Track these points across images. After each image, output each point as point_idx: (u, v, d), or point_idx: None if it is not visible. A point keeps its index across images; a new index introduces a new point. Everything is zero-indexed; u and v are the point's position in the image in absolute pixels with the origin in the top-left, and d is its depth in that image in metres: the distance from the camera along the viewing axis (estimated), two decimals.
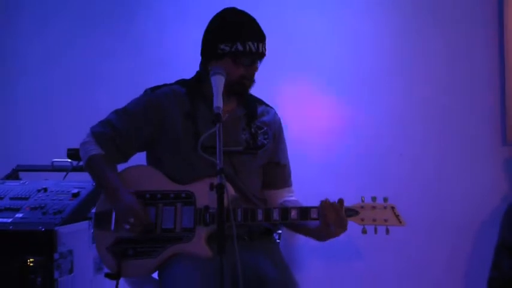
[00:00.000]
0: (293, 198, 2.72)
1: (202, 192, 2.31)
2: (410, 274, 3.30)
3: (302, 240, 3.32)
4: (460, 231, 3.29)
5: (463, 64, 3.33)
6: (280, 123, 2.74)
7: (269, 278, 2.52)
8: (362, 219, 2.45)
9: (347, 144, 3.36)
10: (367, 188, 3.25)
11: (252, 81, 2.54)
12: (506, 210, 2.80)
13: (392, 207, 2.46)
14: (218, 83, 2.34)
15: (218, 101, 2.24)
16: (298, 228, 2.61)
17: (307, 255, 3.35)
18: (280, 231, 3.06)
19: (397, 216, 2.46)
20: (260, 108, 2.69)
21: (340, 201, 2.41)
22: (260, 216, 2.46)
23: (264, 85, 2.69)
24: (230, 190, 2.41)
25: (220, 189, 2.05)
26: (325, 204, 2.39)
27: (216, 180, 2.07)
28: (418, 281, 3.30)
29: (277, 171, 2.71)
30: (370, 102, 3.38)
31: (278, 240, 3.01)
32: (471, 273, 3.17)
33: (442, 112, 3.34)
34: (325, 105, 3.38)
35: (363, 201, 2.47)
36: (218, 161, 2.09)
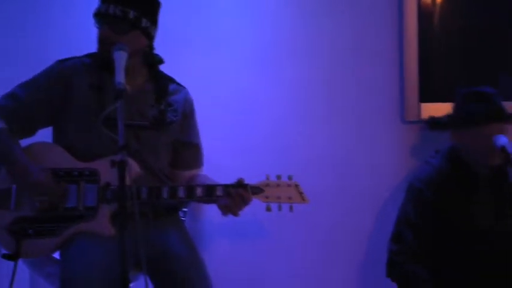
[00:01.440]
0: (203, 173, 2.73)
1: (106, 170, 2.26)
2: (315, 249, 3.36)
3: (208, 218, 3.32)
4: (362, 209, 3.36)
5: (364, 43, 3.37)
6: (191, 103, 2.72)
7: (174, 255, 2.52)
8: (267, 197, 2.48)
9: (253, 123, 3.36)
10: (272, 166, 3.29)
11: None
12: (408, 187, 2.89)
13: (296, 185, 2.50)
14: (120, 58, 2.29)
15: (120, 77, 2.19)
16: (204, 201, 2.62)
17: (213, 233, 3.35)
18: (186, 209, 3.04)
19: (300, 193, 2.50)
20: (171, 86, 2.67)
21: (240, 181, 2.44)
22: (165, 194, 2.45)
23: (167, 61, 2.67)
24: (134, 167, 2.40)
25: (121, 166, 2.02)
26: (232, 190, 2.42)
27: (117, 157, 2.04)
28: (323, 255, 3.36)
29: (188, 152, 2.70)
30: (274, 80, 3.38)
31: (183, 218, 3.00)
32: (373, 247, 3.24)
33: (344, 91, 3.37)
34: (230, 83, 3.37)
35: (268, 179, 2.49)
36: (120, 138, 2.05)
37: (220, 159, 3.18)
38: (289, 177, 2.49)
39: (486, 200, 2.76)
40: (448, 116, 2.80)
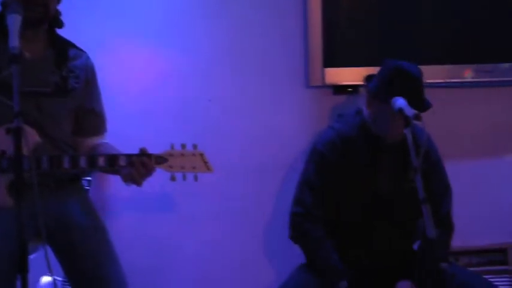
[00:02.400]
0: (106, 141, 2.67)
1: (2, 138, 2.18)
2: (222, 217, 3.37)
3: (113, 188, 3.27)
4: (267, 174, 3.38)
5: (268, 8, 3.36)
6: (93, 68, 2.65)
7: (75, 226, 2.49)
8: (171, 167, 2.46)
9: (157, 91, 3.32)
10: (177, 135, 3.27)
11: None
12: (311, 150, 2.92)
13: (201, 154, 2.48)
14: (14, 22, 2.19)
15: (14, 41, 2.09)
16: (107, 171, 2.58)
17: (120, 206, 3.31)
18: (89, 178, 2.99)
19: (205, 163, 2.49)
20: (72, 52, 2.59)
21: (143, 150, 2.41)
22: (67, 164, 2.39)
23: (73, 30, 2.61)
24: (32, 135, 2.32)
25: (16, 134, 1.95)
26: (135, 159, 2.39)
27: (13, 124, 1.96)
28: (231, 222, 3.38)
29: (90, 119, 2.64)
30: (177, 46, 3.34)
31: (87, 187, 2.95)
32: (278, 211, 3.27)
33: (248, 55, 3.36)
34: (135, 49, 3.30)
35: (172, 148, 2.47)
36: (15, 104, 1.97)
37: (125, 128, 3.13)
38: (194, 147, 2.48)
39: (387, 165, 2.82)
40: (374, 83, 2.79)
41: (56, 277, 2.82)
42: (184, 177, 2.47)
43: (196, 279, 3.39)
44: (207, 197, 3.25)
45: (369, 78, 2.82)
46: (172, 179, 2.46)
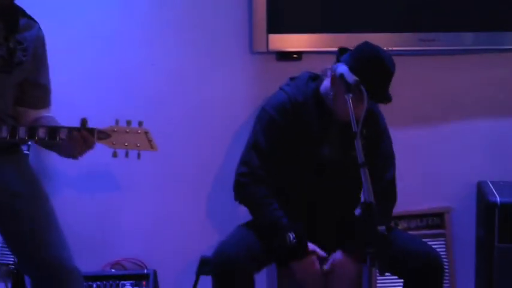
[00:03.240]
0: (49, 114, 2.60)
1: None
2: (169, 187, 3.40)
3: (58, 169, 3.27)
4: (214, 140, 3.38)
5: None
6: (43, 40, 2.54)
7: (15, 191, 2.45)
8: (113, 143, 2.41)
9: (99, 58, 3.27)
10: (119, 103, 3.23)
11: None
12: (259, 113, 2.91)
13: (146, 132, 2.45)
14: None
15: None
16: (47, 145, 2.53)
17: (61, 168, 3.28)
18: (29, 142, 2.93)
19: (149, 141, 2.46)
20: (22, 21, 2.47)
21: (84, 122, 2.37)
22: (5, 133, 2.33)
23: None
24: None
25: None
26: (76, 133, 2.34)
27: None
28: (176, 190, 3.40)
29: (35, 92, 2.54)
30: (120, 13, 3.28)
31: (27, 152, 2.90)
32: (224, 175, 3.28)
33: (192, 22, 3.33)
34: (75, 18, 3.24)
35: (116, 124, 2.43)
36: None
37: (66, 96, 3.08)
38: (139, 124, 2.43)
39: (336, 133, 2.83)
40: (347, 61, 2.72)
41: None
42: (126, 155, 2.43)
43: (140, 247, 3.41)
44: (150, 165, 3.23)
45: (342, 51, 2.78)
46: (114, 155, 2.41)
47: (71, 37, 3.21)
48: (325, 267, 2.79)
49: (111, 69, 3.29)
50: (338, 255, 2.79)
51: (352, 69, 2.62)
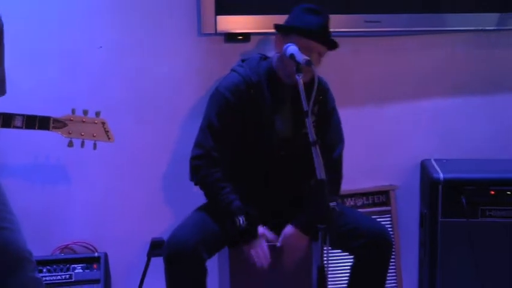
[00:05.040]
0: None
1: None
2: (118, 176, 3.39)
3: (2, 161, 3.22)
4: (164, 122, 3.37)
5: None
6: (1, 29, 2.47)
7: None
8: (69, 132, 2.39)
9: (46, 40, 3.22)
10: (68, 86, 3.18)
11: None
12: (212, 94, 2.91)
13: (103, 123, 2.43)
14: None
15: None
16: None
17: (10, 157, 3.24)
18: None
19: (106, 131, 2.44)
20: None
21: None
22: None
23: None
24: None
25: None
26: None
27: None
28: (127, 175, 3.40)
29: None
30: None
31: None
32: (177, 158, 3.30)
33: (141, 2, 3.29)
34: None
35: (73, 113, 2.40)
36: None
37: (19, 87, 3.02)
38: (97, 114, 2.41)
39: (289, 111, 2.89)
40: (287, 22, 2.84)
41: None
42: (82, 144, 2.41)
43: (91, 231, 3.41)
44: (102, 149, 3.21)
45: (279, 28, 2.85)
46: (70, 144, 2.39)
47: (18, 23, 3.13)
48: (278, 244, 2.84)
49: (58, 53, 3.24)
50: (288, 229, 2.84)
51: (294, 26, 2.76)
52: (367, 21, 3.38)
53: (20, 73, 3.08)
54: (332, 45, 2.82)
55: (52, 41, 3.23)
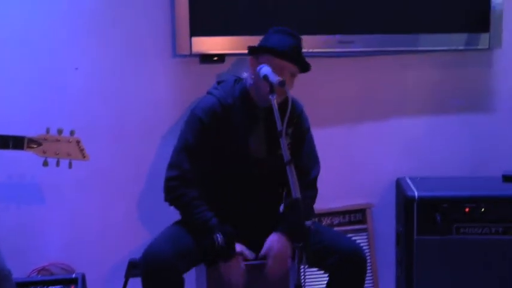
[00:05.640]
0: None
1: None
2: (96, 194, 3.39)
3: None
4: (141, 145, 3.39)
5: None
6: None
7: None
8: (44, 152, 2.38)
9: (24, 65, 3.22)
10: (44, 107, 3.18)
11: None
12: (189, 116, 2.92)
13: (78, 141, 2.42)
14: None
15: None
16: None
17: None
18: None
19: (81, 150, 2.44)
20: None
21: None
22: None
23: None
24: None
25: None
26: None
27: None
28: (104, 196, 3.41)
29: None
30: (42, 15, 3.24)
31: None
32: (153, 178, 3.30)
33: (114, 24, 3.28)
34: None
35: (47, 132, 2.39)
36: None
37: (2, 108, 3.07)
38: (71, 133, 2.40)
39: (263, 131, 2.91)
40: (261, 42, 2.87)
41: None
42: (57, 164, 2.40)
43: (68, 252, 3.39)
44: (78, 168, 3.21)
45: (252, 50, 2.87)
46: (45, 164, 2.38)
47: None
48: (261, 253, 2.85)
49: (35, 74, 3.25)
50: (272, 236, 2.86)
51: (267, 46, 2.78)
52: (340, 42, 3.42)
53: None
54: (304, 66, 2.85)
55: (28, 62, 3.24)
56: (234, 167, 2.91)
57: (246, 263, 2.85)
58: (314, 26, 3.41)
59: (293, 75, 2.83)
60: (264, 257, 2.85)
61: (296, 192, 2.34)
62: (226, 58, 3.37)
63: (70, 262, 3.37)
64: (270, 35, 2.86)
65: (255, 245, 2.89)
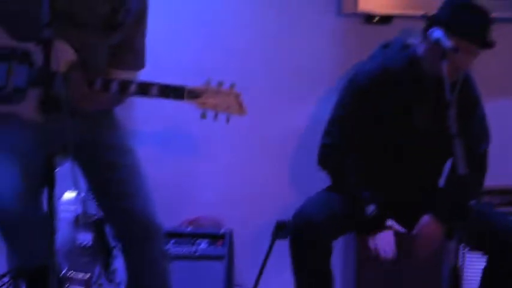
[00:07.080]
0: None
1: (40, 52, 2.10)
2: (244, 149, 3.40)
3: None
4: (299, 105, 3.35)
5: None
6: (147, 3, 2.43)
7: (109, 144, 2.46)
8: (203, 103, 2.33)
9: (197, 25, 3.29)
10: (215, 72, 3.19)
11: None
12: (349, 81, 2.83)
13: (237, 95, 2.36)
14: None
15: None
16: None
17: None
18: None
19: (239, 104, 2.38)
20: None
21: None
22: (98, 85, 2.24)
23: None
24: (68, 52, 2.22)
25: (47, 44, 1.89)
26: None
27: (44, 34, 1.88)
28: (255, 152, 3.39)
29: (126, 56, 2.46)
30: None
31: None
32: (307, 140, 3.26)
33: None
34: None
35: (208, 84, 2.38)
36: (44, 15, 1.88)
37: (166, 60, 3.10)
38: (231, 86, 2.36)
39: (430, 102, 2.74)
40: (439, 15, 2.65)
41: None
42: (215, 117, 2.35)
43: (219, 206, 3.42)
44: (234, 126, 3.22)
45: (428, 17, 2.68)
46: (203, 116, 2.33)
47: None
48: (414, 231, 2.75)
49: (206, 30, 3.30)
50: (426, 218, 2.74)
51: (446, 21, 2.56)
52: None
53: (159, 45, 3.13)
54: (489, 45, 2.63)
55: (197, 12, 3.28)
56: (395, 138, 2.78)
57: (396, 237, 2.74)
58: None
59: (474, 54, 2.63)
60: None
61: (462, 168, 2.19)
62: (394, 19, 3.24)
63: (220, 217, 3.39)
64: (452, 9, 2.62)
65: (409, 219, 2.78)
